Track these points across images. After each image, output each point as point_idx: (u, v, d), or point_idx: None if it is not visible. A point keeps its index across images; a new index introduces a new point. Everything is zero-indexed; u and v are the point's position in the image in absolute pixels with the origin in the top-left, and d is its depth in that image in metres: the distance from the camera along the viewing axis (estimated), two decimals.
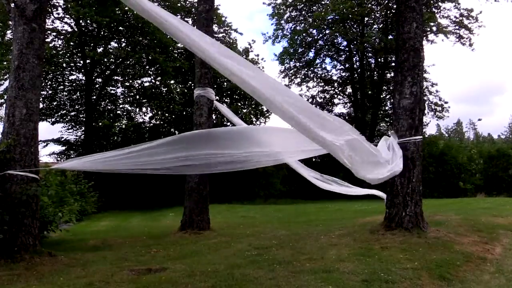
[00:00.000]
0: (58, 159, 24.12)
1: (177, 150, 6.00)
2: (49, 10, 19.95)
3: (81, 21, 22.24)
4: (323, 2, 27.53)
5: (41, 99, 13.88)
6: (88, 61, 23.07)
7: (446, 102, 28.31)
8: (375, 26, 28.98)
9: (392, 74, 25.68)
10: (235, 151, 6.40)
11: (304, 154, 7.61)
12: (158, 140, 6.00)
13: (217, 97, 10.73)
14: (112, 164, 5.64)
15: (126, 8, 20.48)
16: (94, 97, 23.99)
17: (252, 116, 25.93)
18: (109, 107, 25.87)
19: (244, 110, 25.40)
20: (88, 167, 6.14)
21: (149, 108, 25.59)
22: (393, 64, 24.83)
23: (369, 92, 29.87)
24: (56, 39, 22.63)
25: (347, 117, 29.70)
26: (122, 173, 5.66)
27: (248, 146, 6.68)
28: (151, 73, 24.75)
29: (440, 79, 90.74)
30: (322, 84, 31.33)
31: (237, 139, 6.78)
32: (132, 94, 25.68)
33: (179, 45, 24.66)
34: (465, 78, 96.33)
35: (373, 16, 28.50)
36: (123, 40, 23.34)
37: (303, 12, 28.60)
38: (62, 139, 24.08)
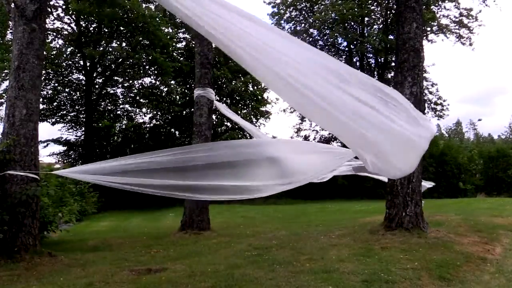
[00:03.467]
0: (60, 159, 24.16)
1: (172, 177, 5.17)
2: (49, 10, 19.96)
3: (81, 21, 22.26)
4: (323, 2, 27.54)
5: (41, 100, 13.90)
6: (88, 61, 23.09)
7: (444, 101, 28.51)
8: (375, 27, 29.00)
9: (392, 74, 25.69)
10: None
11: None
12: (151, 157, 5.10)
13: (217, 98, 10.68)
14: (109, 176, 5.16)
15: (127, 8, 20.49)
16: (94, 97, 24.01)
17: (252, 117, 25.95)
18: (109, 108, 25.91)
19: (244, 111, 25.41)
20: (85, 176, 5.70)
21: (149, 109, 25.66)
22: (393, 64, 24.83)
23: None
24: (56, 39, 22.68)
25: None
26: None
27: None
28: (151, 73, 24.78)
29: (445, 80, 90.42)
30: None
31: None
32: (132, 94, 25.71)
33: (179, 45, 24.73)
34: (469, 79, 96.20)
35: (373, 16, 28.52)
36: (123, 40, 23.36)
37: (303, 12, 28.61)
38: (62, 139, 24.11)
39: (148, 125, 25.89)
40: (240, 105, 25.47)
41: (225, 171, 5.05)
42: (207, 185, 5.02)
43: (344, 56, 30.45)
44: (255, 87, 25.72)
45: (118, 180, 4.89)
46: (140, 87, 25.51)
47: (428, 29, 25.44)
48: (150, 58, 21.91)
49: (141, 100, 25.37)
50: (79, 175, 5.67)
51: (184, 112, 24.01)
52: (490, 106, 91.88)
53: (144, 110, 25.94)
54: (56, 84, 24.08)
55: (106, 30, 22.52)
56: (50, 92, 23.74)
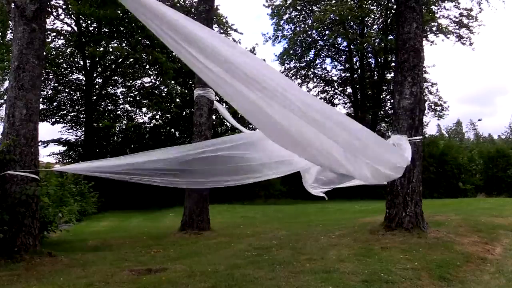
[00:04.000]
0: (60, 159, 24.17)
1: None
2: (49, 10, 19.97)
3: (81, 21, 22.26)
4: (323, 2, 27.53)
5: (41, 100, 13.90)
6: (88, 61, 23.10)
7: (445, 102, 28.55)
8: (375, 27, 29.01)
9: (392, 74, 25.69)
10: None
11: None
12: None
13: (217, 98, 10.69)
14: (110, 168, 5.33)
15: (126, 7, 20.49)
16: (94, 97, 24.03)
17: None
18: (109, 108, 25.93)
19: None
20: (85, 170, 5.86)
21: (149, 109, 25.67)
22: (393, 64, 24.82)
23: (369, 92, 29.89)
24: (56, 39, 22.69)
25: None
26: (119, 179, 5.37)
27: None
28: (151, 73, 24.78)
29: (445, 80, 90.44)
30: (322, 84, 31.40)
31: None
32: (132, 94, 25.72)
33: None
34: (469, 79, 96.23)
35: (373, 17, 28.53)
36: (123, 40, 23.37)
37: (303, 13, 28.61)
38: (62, 140, 24.14)
39: (148, 125, 25.92)
40: None
41: (223, 145, 5.44)
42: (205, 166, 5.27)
43: (344, 56, 30.49)
44: None
45: (116, 169, 5.00)
46: (140, 87, 25.52)
47: (428, 29, 25.42)
48: (150, 57, 21.91)
49: (141, 100, 25.38)
50: (76, 170, 5.75)
51: (184, 112, 24.00)
52: (491, 106, 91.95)
53: (144, 110, 25.99)
54: (56, 84, 24.10)
55: (106, 30, 22.52)
56: (50, 92, 23.77)
